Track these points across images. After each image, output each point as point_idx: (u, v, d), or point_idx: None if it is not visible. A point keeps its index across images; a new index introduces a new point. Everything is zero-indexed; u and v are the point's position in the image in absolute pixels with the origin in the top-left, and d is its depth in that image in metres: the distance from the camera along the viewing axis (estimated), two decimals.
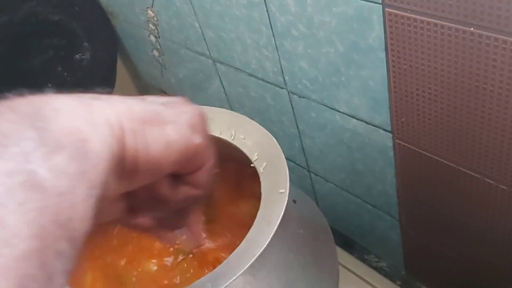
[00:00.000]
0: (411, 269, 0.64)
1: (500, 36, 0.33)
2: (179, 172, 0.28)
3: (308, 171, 0.67)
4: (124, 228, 0.29)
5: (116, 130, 0.23)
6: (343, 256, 0.67)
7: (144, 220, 0.30)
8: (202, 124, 0.28)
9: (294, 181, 0.71)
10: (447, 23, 0.35)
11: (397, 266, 0.66)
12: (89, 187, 0.20)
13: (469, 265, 0.53)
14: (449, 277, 0.57)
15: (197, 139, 0.27)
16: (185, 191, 0.29)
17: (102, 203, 0.23)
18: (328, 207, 0.69)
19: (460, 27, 0.35)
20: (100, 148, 0.21)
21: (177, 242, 0.33)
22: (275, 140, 0.43)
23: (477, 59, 0.35)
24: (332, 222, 0.64)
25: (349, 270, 0.64)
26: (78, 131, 0.21)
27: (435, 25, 0.36)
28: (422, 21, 0.37)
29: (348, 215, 0.66)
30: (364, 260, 0.68)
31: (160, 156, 0.25)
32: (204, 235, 0.34)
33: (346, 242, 0.70)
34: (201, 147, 0.27)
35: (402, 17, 0.38)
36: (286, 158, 0.41)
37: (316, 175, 0.66)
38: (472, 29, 0.34)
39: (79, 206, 0.20)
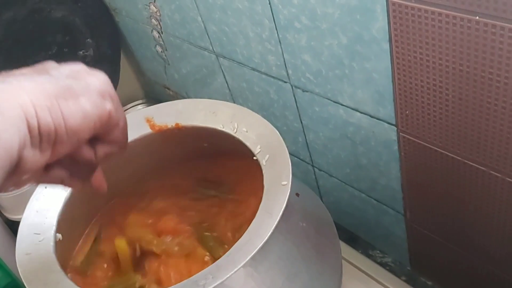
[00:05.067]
0: (416, 264, 0.63)
1: (506, 25, 0.32)
2: (96, 135, 0.31)
3: (312, 166, 0.67)
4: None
5: (28, 108, 0.25)
6: (347, 251, 0.66)
7: (58, 175, 0.33)
8: (109, 89, 0.31)
9: (298, 176, 0.71)
10: (451, 12, 0.35)
11: (402, 261, 0.65)
12: None
13: (474, 260, 0.52)
14: (454, 272, 0.57)
15: (108, 105, 0.30)
16: (104, 150, 0.32)
17: (26, 174, 0.26)
18: (332, 202, 0.69)
19: (465, 16, 0.34)
20: (2, 128, 0.23)
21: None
22: (278, 133, 0.42)
23: (482, 48, 0.35)
24: (336, 217, 0.63)
25: (354, 265, 0.64)
26: None
27: (440, 14, 0.35)
28: (426, 11, 0.36)
29: (353, 210, 0.66)
30: (368, 256, 0.67)
31: (78, 127, 0.27)
32: (106, 186, 0.37)
33: (351, 238, 0.70)
34: (113, 111, 0.30)
35: (406, 6, 0.37)
36: (290, 153, 0.41)
37: (320, 170, 0.66)
38: (477, 17, 0.33)
39: None
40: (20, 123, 0.25)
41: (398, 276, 0.63)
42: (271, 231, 0.34)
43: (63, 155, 0.28)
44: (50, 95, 0.26)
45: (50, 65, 0.31)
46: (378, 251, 0.68)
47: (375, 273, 0.62)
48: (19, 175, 0.26)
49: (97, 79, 0.30)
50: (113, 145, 0.33)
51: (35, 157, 0.26)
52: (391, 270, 0.65)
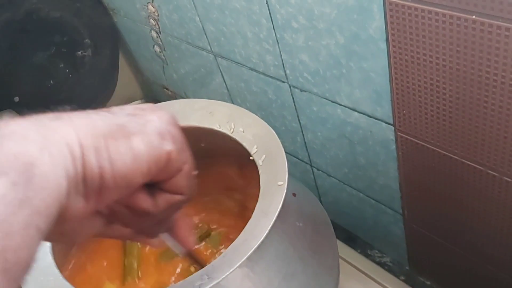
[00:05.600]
0: (415, 264, 0.63)
1: (503, 24, 0.32)
2: (155, 181, 0.26)
3: (311, 166, 0.67)
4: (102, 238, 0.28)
5: (75, 149, 0.22)
6: (346, 251, 0.66)
7: (123, 230, 0.29)
8: (172, 129, 0.26)
9: (296, 176, 0.71)
10: (448, 11, 0.35)
11: (401, 261, 0.65)
12: (31, 214, 0.19)
13: (473, 259, 0.52)
14: (453, 271, 0.57)
15: (168, 146, 0.25)
16: (165, 199, 0.28)
17: (70, 224, 0.23)
18: (330, 202, 0.69)
19: (462, 15, 0.34)
20: (49, 171, 0.20)
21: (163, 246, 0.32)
22: (274, 133, 0.42)
23: (479, 47, 0.35)
24: (335, 217, 0.63)
25: (352, 265, 0.64)
26: (25, 156, 0.20)
27: (436, 13, 0.35)
28: (423, 10, 0.36)
29: (351, 210, 0.66)
30: (367, 256, 0.67)
31: (127, 170, 0.24)
32: (194, 239, 0.33)
33: (349, 237, 0.70)
34: (173, 153, 0.26)
35: (403, 6, 0.37)
36: (288, 153, 0.40)
37: (318, 169, 0.66)
38: (474, 16, 0.33)
39: (16, 234, 0.19)
40: (67, 163, 0.22)
41: (397, 276, 0.63)
42: (267, 231, 0.34)
43: (111, 202, 0.25)
44: (98, 134, 0.23)
45: (122, 106, 0.27)
46: (376, 251, 0.68)
47: (374, 273, 0.62)
48: (60, 224, 0.22)
49: (158, 117, 0.26)
50: (175, 194, 0.28)
51: (78, 204, 0.23)
52: (390, 270, 0.65)
